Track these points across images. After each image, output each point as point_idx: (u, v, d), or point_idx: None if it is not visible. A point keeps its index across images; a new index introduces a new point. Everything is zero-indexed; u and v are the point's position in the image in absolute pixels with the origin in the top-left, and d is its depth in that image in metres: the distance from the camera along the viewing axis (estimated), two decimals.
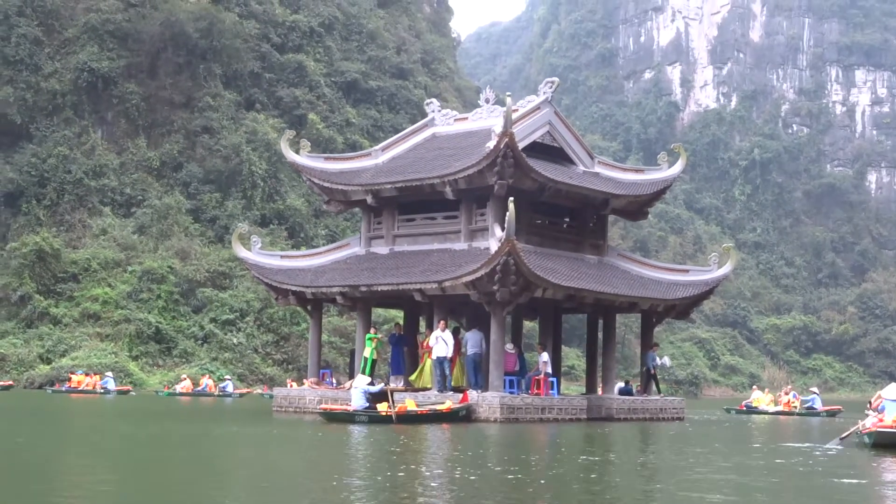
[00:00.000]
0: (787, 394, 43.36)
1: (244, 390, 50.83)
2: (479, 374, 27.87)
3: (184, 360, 57.36)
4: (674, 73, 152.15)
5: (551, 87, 31.16)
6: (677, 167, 32.80)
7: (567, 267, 29.38)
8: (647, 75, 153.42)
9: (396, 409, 24.22)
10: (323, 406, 26.48)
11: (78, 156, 67.27)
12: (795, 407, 41.31)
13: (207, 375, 51.91)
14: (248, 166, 71.57)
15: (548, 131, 30.94)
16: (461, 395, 26.33)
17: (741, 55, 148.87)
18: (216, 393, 47.55)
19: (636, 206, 32.35)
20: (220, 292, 62.97)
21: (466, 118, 33.16)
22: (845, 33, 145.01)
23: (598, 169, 32.08)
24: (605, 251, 32.18)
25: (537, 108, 30.77)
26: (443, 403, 25.58)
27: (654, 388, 32.91)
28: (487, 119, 31.48)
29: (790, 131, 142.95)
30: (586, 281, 29.08)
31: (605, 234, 32.67)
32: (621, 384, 33.83)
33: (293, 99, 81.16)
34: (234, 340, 60.25)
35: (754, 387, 52.83)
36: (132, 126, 71.56)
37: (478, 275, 26.40)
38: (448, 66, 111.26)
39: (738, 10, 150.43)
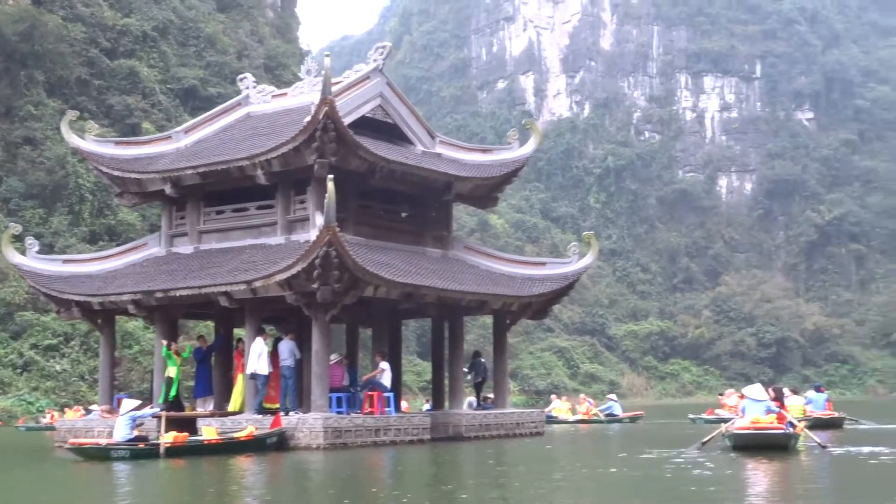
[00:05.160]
0: (583, 402, 43.48)
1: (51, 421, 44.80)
2: (291, 392, 23.19)
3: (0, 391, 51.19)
4: (527, 82, 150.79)
5: (382, 53, 26.75)
6: (529, 146, 28.78)
7: (404, 261, 24.97)
8: (501, 85, 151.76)
9: (172, 440, 19.38)
10: (72, 440, 21.22)
11: None
12: (596, 415, 41.40)
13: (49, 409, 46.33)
14: (74, 179, 65.24)
15: (380, 105, 26.51)
16: (273, 418, 21.60)
17: (593, 63, 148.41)
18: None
19: (484, 191, 28.15)
20: (42, 316, 56.57)
21: (286, 94, 28.44)
22: (693, 40, 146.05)
23: (439, 149, 27.80)
24: (450, 244, 27.87)
25: (366, 77, 26.33)
26: (243, 429, 20.77)
27: (475, 399, 29.17)
28: (310, 94, 26.69)
29: (642, 138, 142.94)
30: (427, 277, 24.68)
31: (450, 224, 28.30)
32: (472, 398, 29.61)
33: (125, 107, 75.13)
34: (58, 367, 54.25)
35: (553, 396, 51.39)
36: None
37: (293, 271, 21.74)
38: (293, 72, 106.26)
39: (588, 18, 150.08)
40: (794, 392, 30.30)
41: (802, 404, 28.94)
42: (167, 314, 25.79)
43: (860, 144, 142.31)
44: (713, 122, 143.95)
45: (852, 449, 19.17)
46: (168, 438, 19.67)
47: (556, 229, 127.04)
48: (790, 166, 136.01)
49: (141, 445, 19.67)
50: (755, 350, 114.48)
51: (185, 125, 29.06)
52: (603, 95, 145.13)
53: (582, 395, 50.07)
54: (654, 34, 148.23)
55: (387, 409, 24.26)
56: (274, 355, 23.79)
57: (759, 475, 14.65)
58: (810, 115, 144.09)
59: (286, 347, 23.53)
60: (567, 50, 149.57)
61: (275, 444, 20.89)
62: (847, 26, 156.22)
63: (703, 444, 19.48)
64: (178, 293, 23.90)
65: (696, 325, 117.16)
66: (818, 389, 32.84)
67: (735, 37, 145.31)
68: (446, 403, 28.41)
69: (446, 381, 28.51)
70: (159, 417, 20.86)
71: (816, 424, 26.41)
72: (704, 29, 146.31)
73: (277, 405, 23.17)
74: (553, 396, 51.95)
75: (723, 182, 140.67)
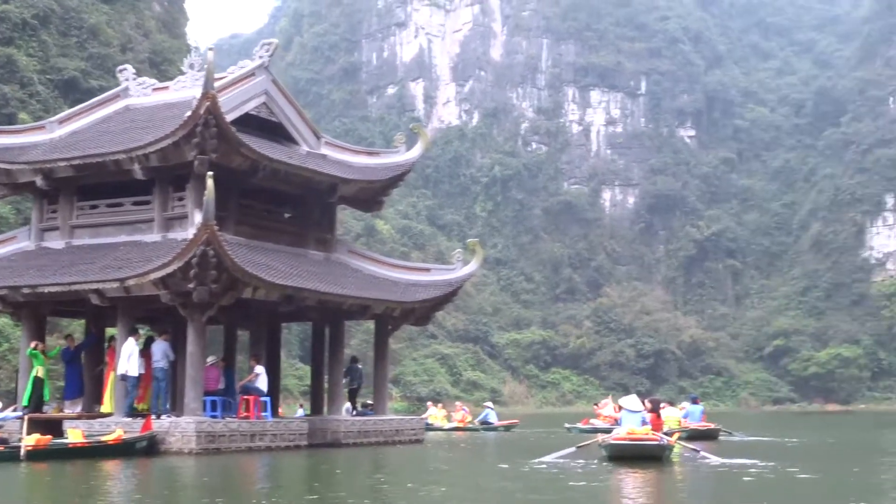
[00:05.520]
0: (458, 410, 43.93)
1: None
2: (163, 395, 22.42)
3: None
4: (417, 89, 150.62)
5: (269, 50, 26.19)
6: (416, 151, 28.50)
7: (285, 263, 24.42)
8: (391, 91, 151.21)
9: (35, 443, 18.50)
10: None
11: None
12: (471, 423, 41.75)
13: None
14: None
15: (264, 103, 25.92)
16: (144, 422, 20.82)
17: (482, 73, 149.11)
18: None
19: (369, 194, 27.80)
20: None
21: (167, 87, 27.63)
22: (581, 55, 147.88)
23: (325, 150, 27.33)
24: (334, 247, 27.42)
25: (251, 74, 25.72)
26: (111, 433, 19.97)
27: (350, 404, 28.88)
28: (192, 88, 25.87)
29: (529, 149, 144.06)
30: (308, 280, 24.19)
31: (334, 227, 27.84)
32: (349, 404, 29.15)
33: (1, 96, 72.33)
34: None
35: (429, 403, 51.53)
36: None
37: (169, 270, 21.05)
38: (178, 68, 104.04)
39: (479, 28, 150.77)
40: (670, 404, 30.75)
41: (679, 416, 29.36)
42: (34, 311, 24.73)
43: (738, 163, 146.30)
44: (599, 135, 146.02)
45: (725, 461, 19.41)
46: (30, 441, 18.77)
47: (442, 236, 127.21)
48: (672, 182, 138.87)
49: (0, 448, 18.74)
50: (634, 361, 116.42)
51: (59, 115, 27.99)
52: (492, 105, 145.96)
53: (458, 403, 50.20)
54: (543, 47, 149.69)
55: (263, 413, 23.68)
56: (147, 356, 23.00)
57: (631, 486, 14.64)
58: (692, 132, 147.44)
59: (159, 348, 22.76)
60: (457, 58, 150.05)
61: (144, 449, 20.14)
62: (729, 48, 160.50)
63: (579, 447, 19.83)
64: (46, 290, 22.92)
65: (577, 335, 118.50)
66: (694, 401, 33.41)
67: (622, 53, 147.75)
68: (325, 409, 27.92)
69: (326, 387, 28.06)
70: (23, 419, 19.90)
71: (693, 436, 26.82)
72: (592, 44, 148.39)
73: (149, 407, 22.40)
74: (429, 404, 51.92)
75: (606, 195, 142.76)
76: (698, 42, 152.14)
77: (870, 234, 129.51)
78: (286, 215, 27.31)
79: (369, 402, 29.83)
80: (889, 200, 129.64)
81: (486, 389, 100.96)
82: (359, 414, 28.49)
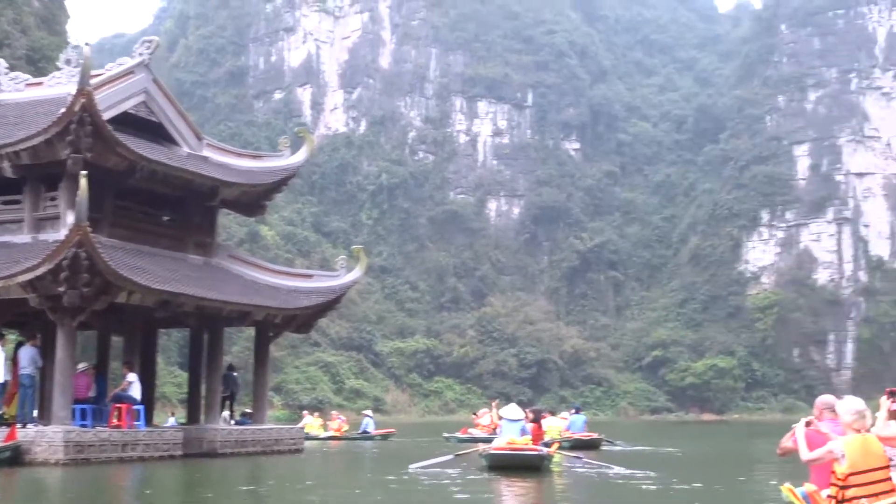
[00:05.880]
0: (335, 419, 43.99)
1: None
2: (29, 403, 21.49)
3: None
4: (304, 94, 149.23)
5: (149, 47, 25.43)
6: (301, 155, 28.08)
7: (163, 267, 23.70)
8: (278, 96, 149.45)
9: None
10: None
11: None
12: (347, 431, 41.93)
13: None
14: None
15: (143, 101, 25.13)
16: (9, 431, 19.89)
17: (371, 81, 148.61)
18: None
19: (252, 198, 27.23)
20: None
21: (41, 83, 26.61)
22: (469, 65, 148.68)
23: (206, 152, 26.66)
24: (214, 251, 26.75)
25: (130, 72, 24.92)
26: None
27: (227, 412, 28.28)
28: (67, 85, 24.91)
29: (417, 158, 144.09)
30: (186, 285, 23.51)
31: (215, 231, 27.18)
32: (226, 413, 28.48)
33: None
34: None
35: (304, 412, 51.32)
36: None
37: (38, 272, 20.19)
38: (57, 66, 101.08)
39: (368, 36, 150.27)
40: (551, 413, 30.90)
41: (562, 426, 29.50)
42: None
43: (621, 177, 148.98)
44: (485, 146, 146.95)
45: (605, 470, 19.49)
46: None
47: (327, 244, 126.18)
48: (556, 193, 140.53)
49: None
50: (516, 370, 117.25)
51: None
52: (380, 113, 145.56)
53: (333, 412, 49.99)
54: (432, 56, 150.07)
55: (136, 422, 22.89)
56: (14, 362, 22.02)
57: (511, 497, 14.52)
58: (577, 145, 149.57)
59: (27, 354, 21.81)
60: (346, 65, 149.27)
61: (9, 459, 19.23)
62: (614, 63, 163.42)
63: (458, 455, 20.01)
64: None
65: (461, 344, 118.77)
66: (576, 411, 33.66)
67: (510, 65, 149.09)
68: (202, 417, 27.20)
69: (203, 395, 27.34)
70: None
71: (575, 446, 26.96)
72: (481, 55, 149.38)
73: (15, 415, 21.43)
74: (304, 412, 51.47)
75: (492, 205, 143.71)
76: (584, 56, 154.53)
77: (746, 248, 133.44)
78: (165, 218, 26.57)
79: (248, 410, 29.18)
80: (764, 216, 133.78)
81: (369, 398, 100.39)
82: (237, 423, 27.86)
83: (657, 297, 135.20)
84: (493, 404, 40.18)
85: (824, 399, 9.49)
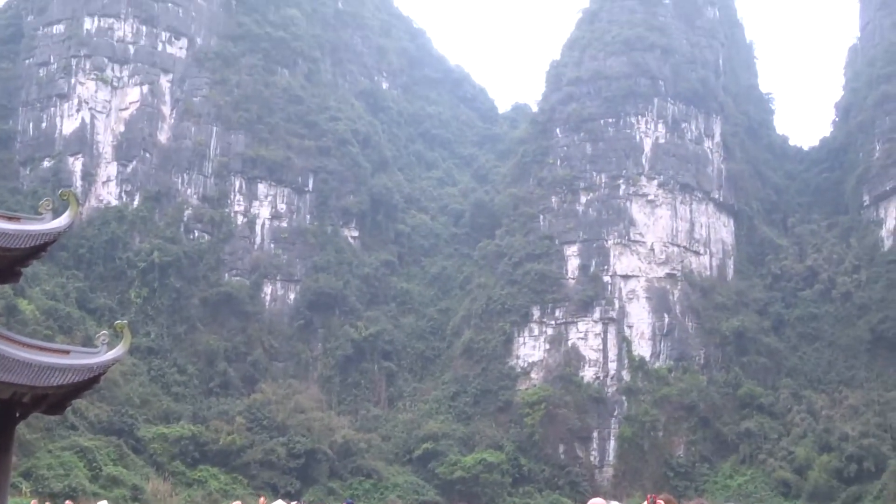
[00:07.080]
0: None
1: None
2: None
3: None
4: (76, 164, 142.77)
5: None
6: (64, 219, 25.82)
7: None
8: (47, 164, 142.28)
9: None
10: None
11: None
12: None
13: None
14: None
15: None
16: None
17: (147, 155, 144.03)
18: None
19: (6, 264, 24.70)
20: None
21: None
22: (251, 146, 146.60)
23: None
24: None
25: None
26: None
27: None
28: None
29: (192, 237, 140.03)
30: None
31: None
32: None
33: None
34: None
35: (33, 502, 47.93)
36: None
37: None
38: None
39: (147, 109, 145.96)
40: None
41: None
42: None
43: (399, 267, 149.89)
44: (264, 228, 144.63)
45: None
46: None
47: (92, 321, 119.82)
48: (333, 280, 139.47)
49: None
50: (285, 460, 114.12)
51: None
52: (155, 188, 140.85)
53: (68, 502, 47.57)
54: (212, 134, 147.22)
55: None
56: None
57: None
58: (356, 233, 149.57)
59: None
60: (122, 137, 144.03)
61: None
62: (395, 154, 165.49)
63: None
64: None
65: (228, 432, 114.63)
66: None
67: (292, 149, 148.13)
68: None
69: None
70: None
71: None
72: (263, 137, 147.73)
73: None
74: (34, 502, 47.78)
75: (268, 289, 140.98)
76: (366, 146, 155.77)
77: (517, 344, 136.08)
78: None
79: None
80: (535, 312, 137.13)
81: (127, 486, 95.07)
82: None
83: (430, 389, 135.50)
84: (261, 501, 38.14)
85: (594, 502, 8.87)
